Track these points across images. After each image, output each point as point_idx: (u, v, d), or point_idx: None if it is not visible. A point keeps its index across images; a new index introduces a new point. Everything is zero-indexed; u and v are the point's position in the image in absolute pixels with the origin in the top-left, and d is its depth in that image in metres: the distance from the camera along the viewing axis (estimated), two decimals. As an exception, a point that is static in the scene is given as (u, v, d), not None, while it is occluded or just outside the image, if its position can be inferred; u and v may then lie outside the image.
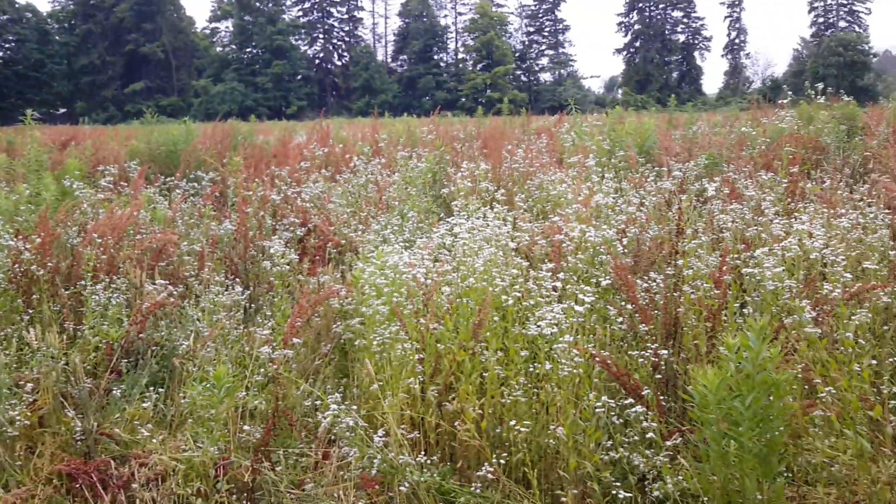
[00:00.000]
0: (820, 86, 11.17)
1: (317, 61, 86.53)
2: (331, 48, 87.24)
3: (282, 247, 6.30)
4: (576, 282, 4.67)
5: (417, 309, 4.41)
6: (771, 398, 3.33)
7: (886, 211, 5.61)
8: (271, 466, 4.19)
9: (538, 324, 3.93)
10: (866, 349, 4.19)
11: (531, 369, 4.04)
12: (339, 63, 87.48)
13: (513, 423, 3.78)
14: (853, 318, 3.87)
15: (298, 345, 4.96)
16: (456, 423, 4.09)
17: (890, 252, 5.05)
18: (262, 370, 4.81)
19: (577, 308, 3.88)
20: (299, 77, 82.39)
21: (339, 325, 5.47)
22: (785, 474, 3.81)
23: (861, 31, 77.29)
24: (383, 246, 5.48)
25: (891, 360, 4.19)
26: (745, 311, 4.49)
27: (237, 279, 6.54)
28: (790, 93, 11.94)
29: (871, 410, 3.46)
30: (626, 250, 5.32)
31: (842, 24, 79.47)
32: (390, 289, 4.54)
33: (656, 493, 3.68)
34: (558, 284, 4.27)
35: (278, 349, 4.51)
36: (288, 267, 6.19)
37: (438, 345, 4.22)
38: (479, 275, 4.38)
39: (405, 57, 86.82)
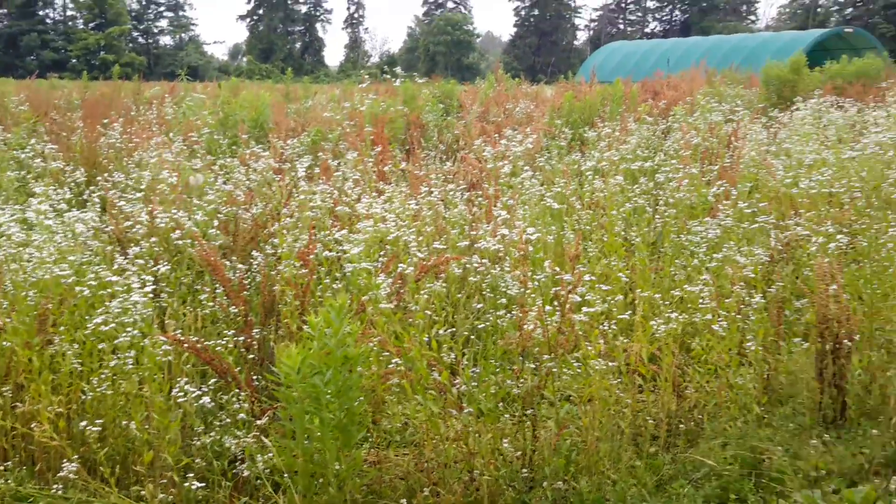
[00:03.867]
0: (397, 70, 11.92)
1: None
2: None
3: None
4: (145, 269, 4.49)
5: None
6: (350, 372, 3.51)
7: (465, 188, 6.15)
8: None
9: (97, 318, 3.74)
10: (441, 318, 4.58)
11: (115, 361, 3.84)
12: (-82, 14, 75.59)
13: (83, 423, 3.57)
14: (422, 292, 4.19)
15: None
16: (32, 425, 3.79)
17: (465, 226, 5.55)
18: None
19: (134, 298, 3.75)
20: None
21: None
22: (369, 440, 4.07)
23: (466, 11, 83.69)
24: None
25: (457, 329, 4.63)
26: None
27: None
28: (366, 72, 12.55)
29: (439, 375, 3.76)
30: (217, 231, 5.24)
31: (450, 4, 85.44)
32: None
33: (247, 473, 3.72)
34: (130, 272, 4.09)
35: None
36: None
37: (4, 343, 3.85)
38: (41, 264, 4.03)
39: (4, 11, 77.24)
